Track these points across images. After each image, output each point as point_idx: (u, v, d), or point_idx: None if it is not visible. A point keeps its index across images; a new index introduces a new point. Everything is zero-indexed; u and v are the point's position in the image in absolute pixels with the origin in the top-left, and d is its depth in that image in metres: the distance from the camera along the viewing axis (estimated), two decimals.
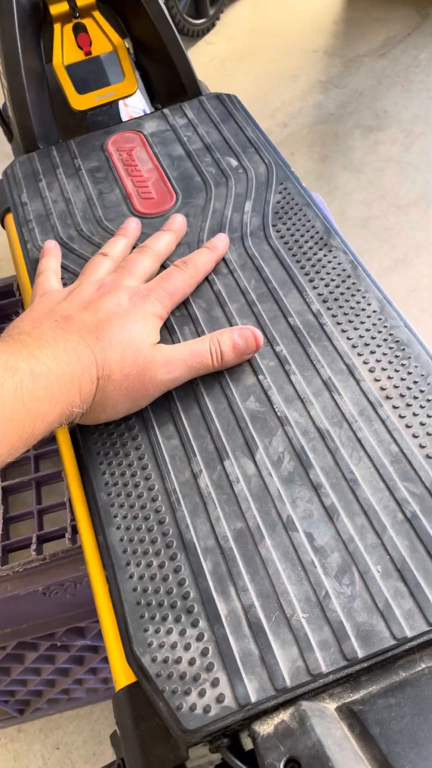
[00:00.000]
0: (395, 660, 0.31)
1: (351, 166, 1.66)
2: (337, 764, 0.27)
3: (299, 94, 1.93)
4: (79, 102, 0.66)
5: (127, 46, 0.70)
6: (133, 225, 0.52)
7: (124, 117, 0.77)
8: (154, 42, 0.66)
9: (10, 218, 0.63)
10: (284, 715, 0.30)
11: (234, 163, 0.57)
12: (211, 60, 2.16)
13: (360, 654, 0.31)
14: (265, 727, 0.30)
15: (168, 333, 0.46)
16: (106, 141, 0.62)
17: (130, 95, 0.67)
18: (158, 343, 0.43)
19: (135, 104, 0.87)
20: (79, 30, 0.65)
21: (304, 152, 1.73)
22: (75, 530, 0.56)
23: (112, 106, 0.71)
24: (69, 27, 0.65)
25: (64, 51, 0.65)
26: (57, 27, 0.65)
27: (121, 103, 0.76)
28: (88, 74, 0.67)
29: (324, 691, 0.31)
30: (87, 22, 0.65)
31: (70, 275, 0.51)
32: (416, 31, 2.06)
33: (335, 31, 2.15)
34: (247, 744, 0.32)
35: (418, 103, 1.80)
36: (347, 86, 1.91)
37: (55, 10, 0.64)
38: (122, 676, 0.35)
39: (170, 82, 0.68)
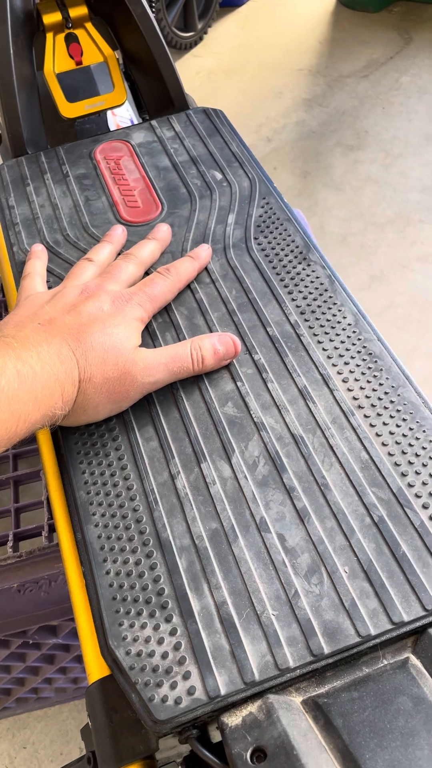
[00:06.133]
0: (359, 656, 0.33)
1: (331, 183, 1.70)
2: (301, 753, 0.28)
3: (283, 110, 1.96)
4: (69, 110, 0.67)
5: (118, 57, 0.71)
6: (118, 232, 0.54)
7: (112, 126, 0.79)
8: (144, 55, 0.68)
9: None
10: (252, 708, 0.31)
11: (219, 176, 0.59)
12: (197, 73, 2.18)
13: (326, 650, 0.32)
14: (233, 719, 0.31)
15: (150, 339, 0.47)
16: (94, 149, 0.63)
17: (119, 106, 0.68)
18: (140, 347, 0.44)
19: (123, 114, 0.89)
20: (71, 40, 0.66)
21: (286, 167, 1.76)
22: (52, 528, 0.57)
23: (100, 115, 0.73)
24: (61, 37, 0.66)
25: (56, 60, 0.66)
26: (49, 36, 0.66)
27: (109, 112, 0.77)
28: (78, 83, 0.68)
29: (291, 685, 0.32)
30: (79, 32, 0.67)
31: (55, 279, 0.52)
32: (398, 55, 2.11)
33: (320, 50, 2.19)
34: (216, 737, 0.33)
35: (397, 124, 1.85)
36: (330, 105, 1.96)
37: (48, 19, 0.65)
38: (96, 669, 0.36)
39: (158, 95, 0.70)
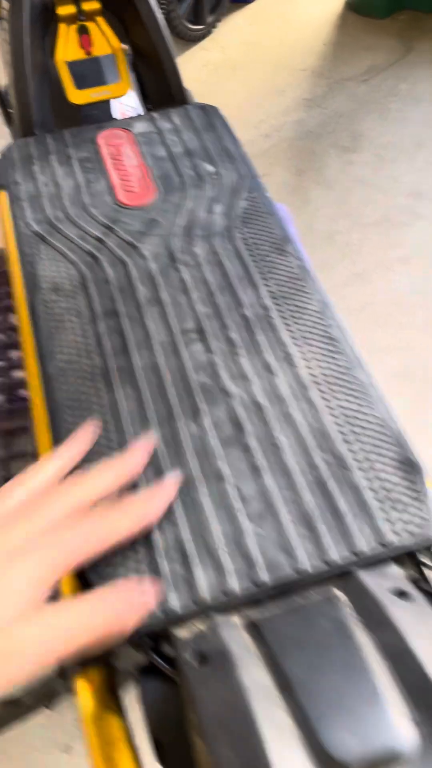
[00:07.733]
0: (294, 588, 0.39)
1: (323, 182, 1.75)
2: (236, 658, 0.34)
3: (284, 109, 2.01)
4: (76, 96, 0.72)
5: (126, 51, 0.76)
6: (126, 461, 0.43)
7: (117, 114, 0.83)
8: (149, 51, 0.73)
9: (2, 195, 0.68)
10: (200, 624, 0.37)
11: (210, 169, 0.64)
12: (204, 66, 2.23)
13: (267, 581, 0.38)
14: (183, 632, 0.37)
15: (140, 321, 0.53)
16: (97, 135, 0.68)
17: (122, 96, 0.73)
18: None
19: (128, 102, 0.94)
20: (83, 32, 0.71)
21: (282, 164, 1.81)
22: None
23: (105, 103, 0.78)
24: (74, 28, 0.71)
25: (67, 49, 0.71)
26: (63, 26, 0.71)
27: (115, 100, 0.82)
28: (87, 72, 0.73)
29: (234, 608, 0.38)
30: (90, 25, 0.71)
31: (56, 254, 0.57)
32: (399, 62, 2.17)
33: (324, 52, 2.24)
34: (169, 653, 0.39)
35: (392, 130, 1.91)
36: (329, 107, 2.01)
37: (63, 11, 0.70)
38: (67, 587, 0.42)
39: (160, 89, 0.75)
